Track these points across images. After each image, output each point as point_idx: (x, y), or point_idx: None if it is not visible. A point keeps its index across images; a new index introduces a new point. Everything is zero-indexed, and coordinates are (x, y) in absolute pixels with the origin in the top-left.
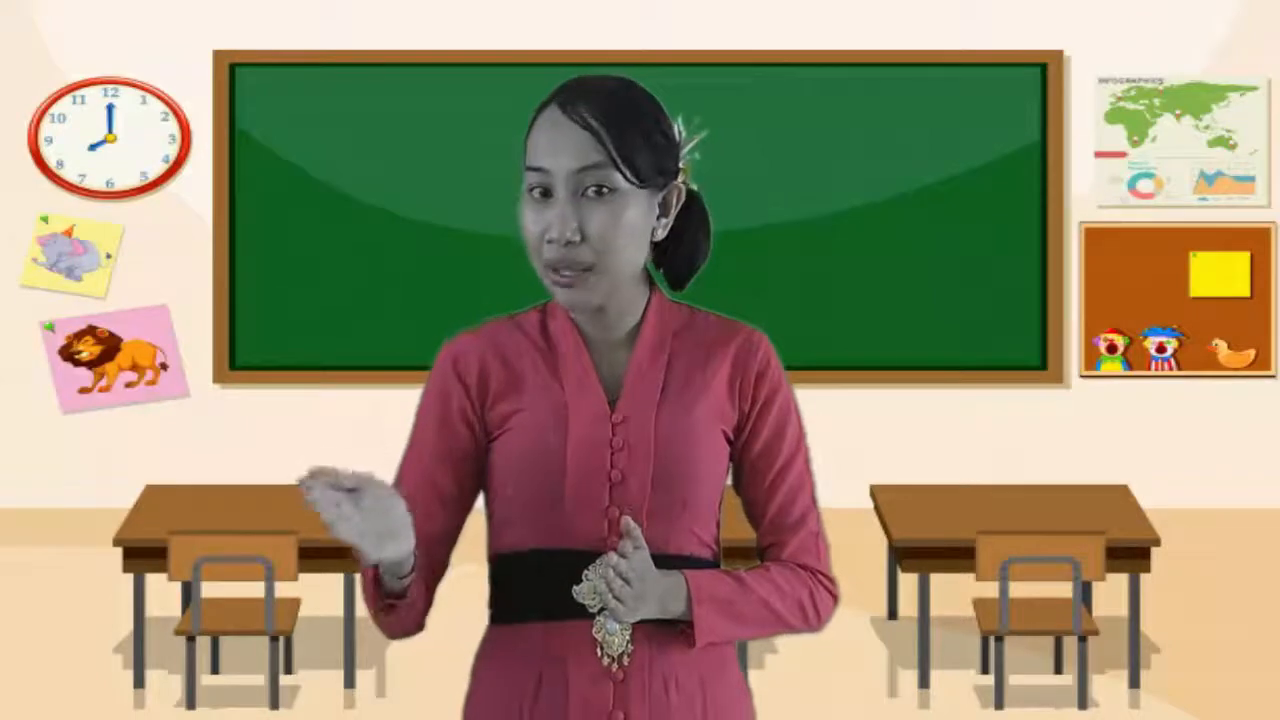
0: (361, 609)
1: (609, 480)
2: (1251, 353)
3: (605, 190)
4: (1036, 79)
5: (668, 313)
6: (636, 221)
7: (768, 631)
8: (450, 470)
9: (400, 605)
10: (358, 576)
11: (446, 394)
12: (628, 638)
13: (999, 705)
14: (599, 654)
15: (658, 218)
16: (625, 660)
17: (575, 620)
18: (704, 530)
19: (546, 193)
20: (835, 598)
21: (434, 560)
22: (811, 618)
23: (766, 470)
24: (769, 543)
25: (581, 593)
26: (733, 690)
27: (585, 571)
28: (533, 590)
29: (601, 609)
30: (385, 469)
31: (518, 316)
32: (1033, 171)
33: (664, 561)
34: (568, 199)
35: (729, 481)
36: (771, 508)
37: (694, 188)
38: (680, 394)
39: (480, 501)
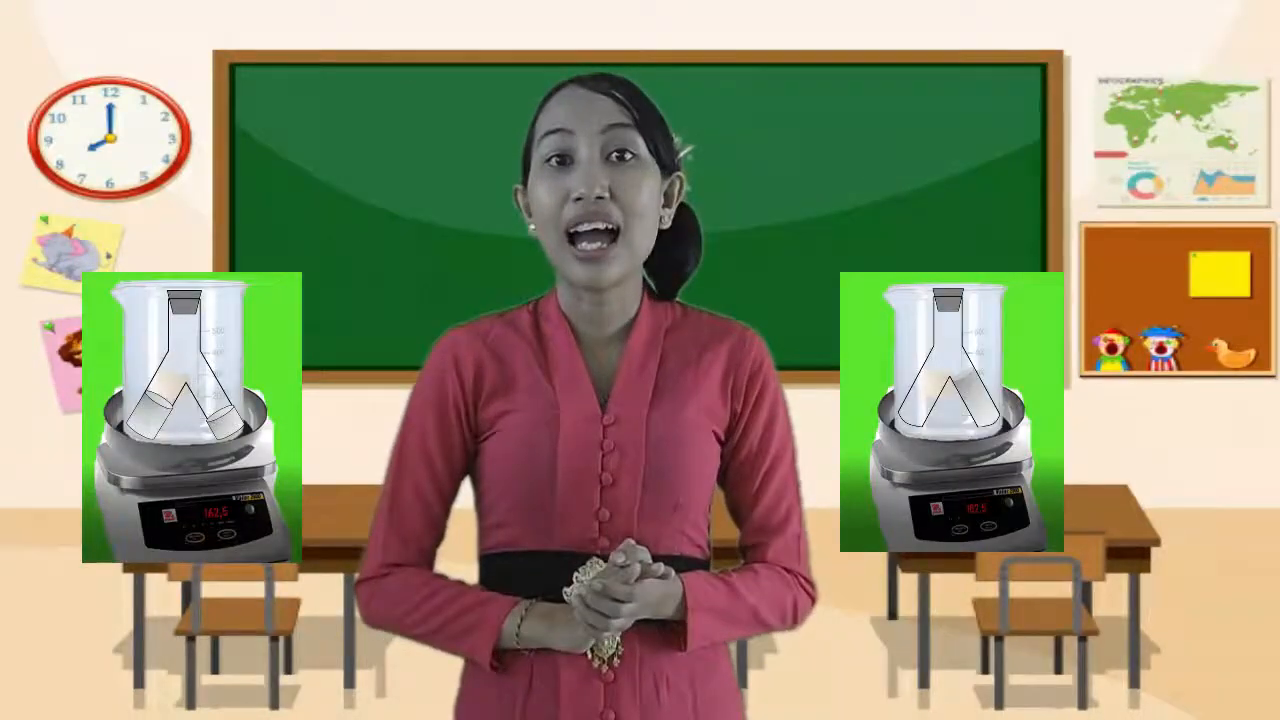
0: None
1: (600, 483)
2: (1251, 353)
3: (629, 156)
4: (1036, 79)
5: (660, 311)
6: (654, 194)
7: (752, 634)
8: (446, 460)
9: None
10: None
11: (444, 386)
12: (618, 640)
13: (999, 705)
14: (589, 655)
15: (662, 206)
16: (615, 662)
17: None
18: (695, 531)
19: (565, 160)
20: (813, 600)
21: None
22: (789, 620)
23: (754, 471)
24: (753, 543)
25: (572, 594)
26: (723, 689)
27: (575, 574)
28: (523, 591)
29: None
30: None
31: (508, 314)
32: (1033, 171)
33: (655, 561)
34: (593, 160)
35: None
36: (758, 509)
37: (686, 203)
38: (672, 394)
39: (470, 501)
